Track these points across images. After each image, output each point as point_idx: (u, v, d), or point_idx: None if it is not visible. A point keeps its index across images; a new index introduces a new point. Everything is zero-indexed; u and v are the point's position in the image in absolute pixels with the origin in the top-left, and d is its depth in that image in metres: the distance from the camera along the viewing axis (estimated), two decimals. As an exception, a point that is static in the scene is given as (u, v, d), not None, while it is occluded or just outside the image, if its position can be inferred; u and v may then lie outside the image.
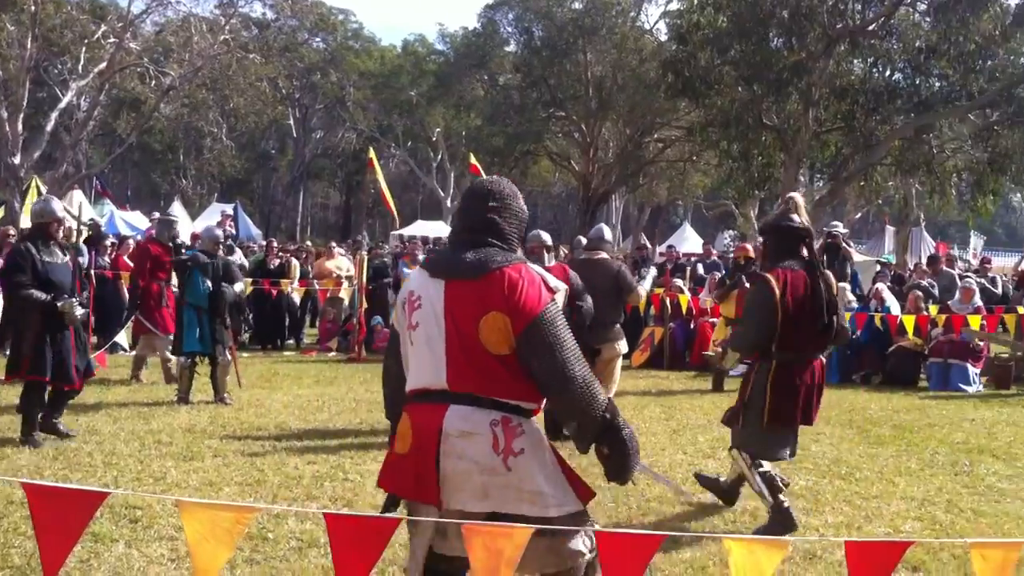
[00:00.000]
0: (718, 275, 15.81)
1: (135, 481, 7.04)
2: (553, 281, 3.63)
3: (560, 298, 3.61)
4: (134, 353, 12.56)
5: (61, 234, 8.61)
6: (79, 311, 8.29)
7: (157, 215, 21.98)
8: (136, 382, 11.78)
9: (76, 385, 8.44)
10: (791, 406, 6.09)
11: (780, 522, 6.05)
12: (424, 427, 3.49)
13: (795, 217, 6.28)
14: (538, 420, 3.64)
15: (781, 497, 6.16)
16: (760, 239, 6.98)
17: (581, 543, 3.56)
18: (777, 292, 5.96)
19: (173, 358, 11.16)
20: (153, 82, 33.66)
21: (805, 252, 6.21)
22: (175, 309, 11.06)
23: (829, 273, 6.31)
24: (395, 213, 19.17)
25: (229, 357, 10.66)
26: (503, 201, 3.67)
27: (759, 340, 6.12)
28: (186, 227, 21.41)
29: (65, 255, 8.49)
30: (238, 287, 10.93)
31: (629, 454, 3.54)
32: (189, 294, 10.48)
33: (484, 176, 3.92)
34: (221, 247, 11.10)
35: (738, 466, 6.40)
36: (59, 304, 8.11)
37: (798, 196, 6.48)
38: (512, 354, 3.44)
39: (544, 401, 3.56)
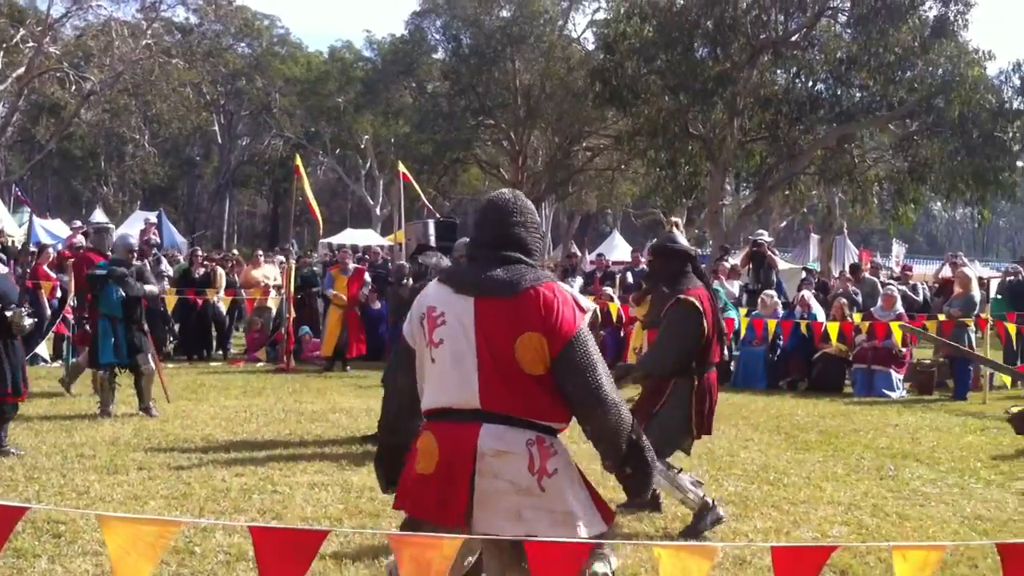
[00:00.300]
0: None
1: (58, 495, 6.89)
2: (584, 301, 3.63)
3: (588, 317, 3.60)
4: (75, 361, 12.28)
5: None
6: (27, 321, 8.13)
7: (79, 223, 21.54)
8: (69, 395, 11.53)
9: (23, 396, 8.32)
10: (710, 416, 6.41)
11: (708, 515, 6.30)
12: (455, 446, 3.41)
13: (680, 239, 6.57)
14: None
15: (701, 492, 6.37)
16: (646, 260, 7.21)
17: (607, 567, 3.57)
18: (703, 313, 6.18)
19: None
20: (73, 87, 33.01)
21: (691, 270, 6.47)
22: (91, 322, 10.73)
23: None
24: (319, 220, 18.98)
25: (152, 365, 10.46)
26: (526, 215, 3.64)
27: (679, 364, 6.28)
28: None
29: (5, 266, 8.32)
30: (149, 288, 10.77)
31: (650, 473, 3.59)
32: (103, 304, 10.23)
33: (505, 190, 3.84)
34: (134, 255, 10.80)
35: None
36: (8, 314, 7.93)
37: (678, 220, 6.98)
38: (547, 374, 3.42)
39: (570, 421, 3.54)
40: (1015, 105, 22.74)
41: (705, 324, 6.18)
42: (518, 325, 3.41)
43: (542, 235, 3.74)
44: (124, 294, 10.20)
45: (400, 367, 3.72)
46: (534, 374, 3.41)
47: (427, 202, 13.47)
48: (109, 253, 10.69)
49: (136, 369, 10.31)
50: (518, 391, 3.41)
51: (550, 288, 3.47)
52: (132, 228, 23.55)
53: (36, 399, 11.07)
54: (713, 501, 6.40)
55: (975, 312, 14.16)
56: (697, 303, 6.19)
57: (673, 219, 6.96)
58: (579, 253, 26.60)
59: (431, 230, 10.49)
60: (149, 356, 10.45)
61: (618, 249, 34.30)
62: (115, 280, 10.16)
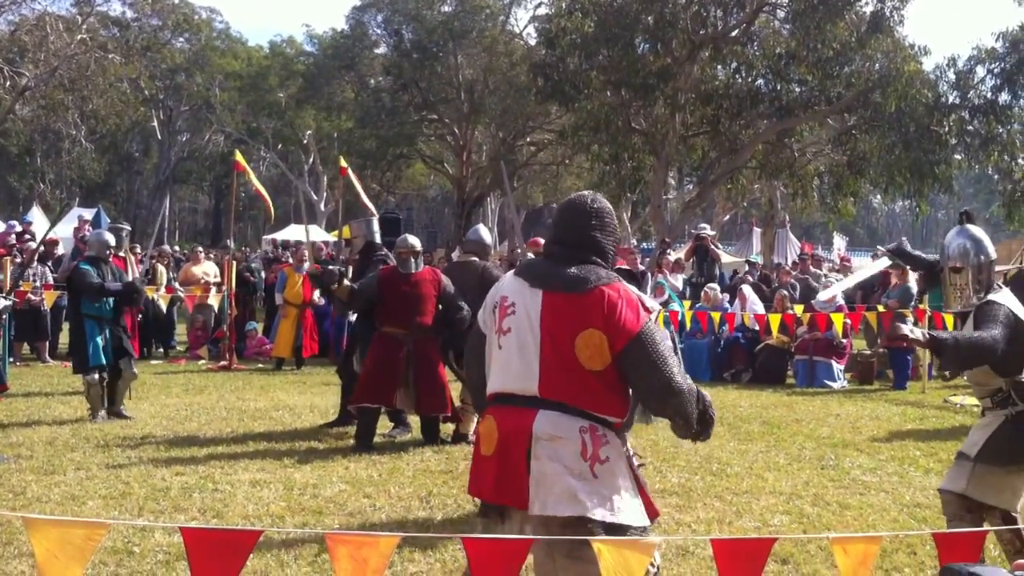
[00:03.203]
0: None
1: (-9, 498, 6.74)
2: (649, 301, 3.74)
3: (655, 317, 3.79)
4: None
5: None
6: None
7: (15, 223, 21.07)
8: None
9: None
10: None
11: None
12: (513, 430, 3.58)
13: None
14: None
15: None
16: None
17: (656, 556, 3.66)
18: None
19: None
20: (8, 83, 32.28)
21: None
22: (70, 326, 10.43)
23: None
24: (271, 209, 18.70)
25: (135, 369, 10.28)
26: (603, 219, 3.78)
27: None
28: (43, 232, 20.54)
29: None
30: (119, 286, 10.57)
31: (711, 425, 3.80)
32: (87, 306, 9.91)
33: (586, 192, 3.90)
34: (111, 253, 10.52)
35: None
36: None
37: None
38: (605, 370, 3.57)
39: (627, 415, 3.72)
40: (950, 100, 23.19)
41: None
42: (581, 321, 3.56)
43: (618, 237, 3.94)
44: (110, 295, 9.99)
45: (473, 351, 3.95)
46: (592, 369, 3.56)
47: (367, 201, 13.34)
48: (88, 254, 10.37)
49: (116, 371, 10.07)
50: (576, 383, 3.57)
51: (615, 289, 3.62)
52: (68, 225, 23.11)
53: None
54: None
55: (912, 303, 14.37)
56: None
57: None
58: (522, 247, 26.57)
59: (375, 227, 10.39)
60: (131, 358, 10.25)
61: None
62: (95, 291, 9.87)
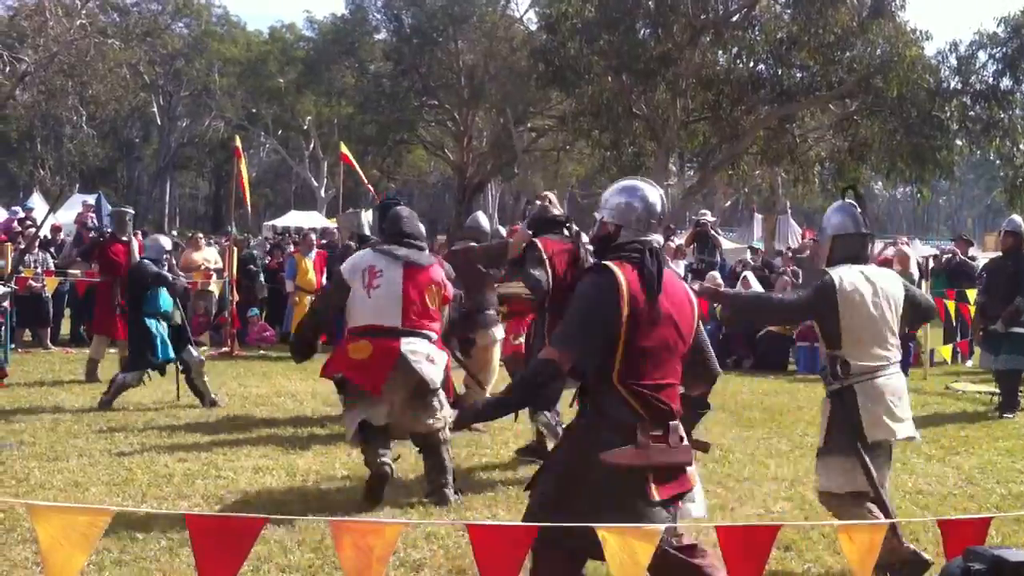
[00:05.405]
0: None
1: (-5, 484, 6.74)
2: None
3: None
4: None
5: None
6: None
7: (18, 210, 21.05)
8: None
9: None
10: None
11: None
12: (385, 348, 6.37)
13: (555, 210, 7.26)
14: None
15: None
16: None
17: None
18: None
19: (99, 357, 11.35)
20: (7, 68, 32.20)
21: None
22: (129, 322, 10.35)
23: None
24: (248, 203, 18.67)
25: (199, 356, 10.33)
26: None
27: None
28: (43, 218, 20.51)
29: None
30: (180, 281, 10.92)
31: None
32: (149, 304, 9.92)
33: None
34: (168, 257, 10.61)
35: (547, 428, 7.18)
36: None
37: (551, 194, 7.72)
38: (438, 308, 6.77)
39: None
40: (952, 85, 23.10)
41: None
42: (426, 282, 6.56)
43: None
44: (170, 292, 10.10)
45: (328, 297, 7.13)
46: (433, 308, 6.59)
47: (369, 185, 13.35)
48: (145, 257, 10.41)
49: (186, 363, 10.10)
50: (425, 317, 6.54)
51: (440, 264, 6.78)
52: (70, 211, 23.10)
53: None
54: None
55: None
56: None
57: (546, 193, 7.79)
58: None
59: (363, 219, 10.26)
60: (192, 348, 10.30)
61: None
62: (163, 284, 9.96)
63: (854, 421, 5.00)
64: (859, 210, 5.34)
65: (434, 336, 6.55)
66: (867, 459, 4.95)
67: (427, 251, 6.86)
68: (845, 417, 5.02)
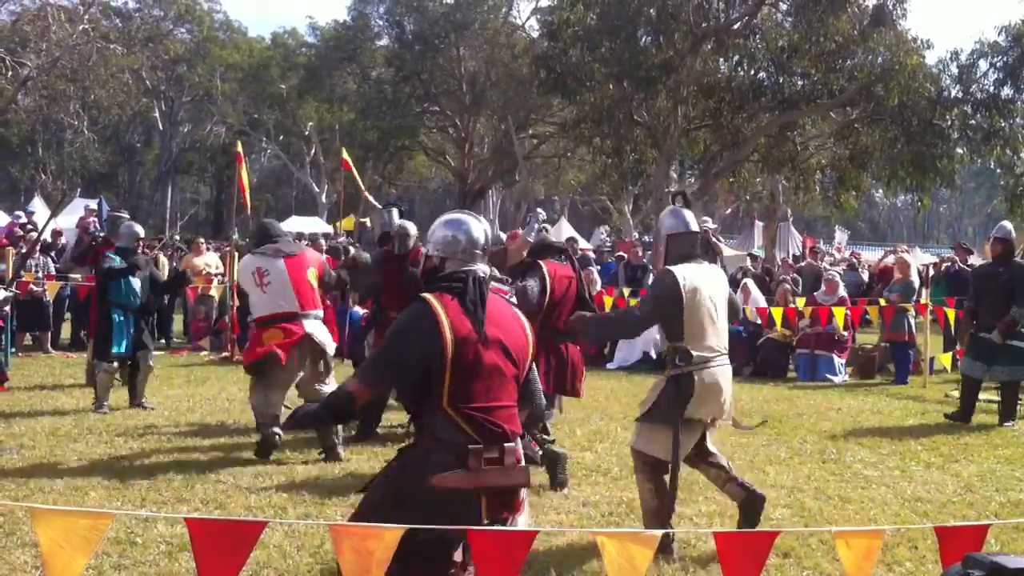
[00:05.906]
0: (593, 270, 16.07)
1: (-6, 488, 6.75)
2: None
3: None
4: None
5: None
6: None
7: (20, 215, 21.06)
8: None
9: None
10: (572, 379, 7.75)
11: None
12: (294, 330, 7.99)
13: (553, 239, 8.43)
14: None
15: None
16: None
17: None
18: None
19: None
20: (10, 73, 32.24)
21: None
22: (97, 312, 10.35)
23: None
24: (249, 208, 18.69)
25: (151, 362, 10.33)
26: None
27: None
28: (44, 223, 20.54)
29: None
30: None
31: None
32: (115, 295, 9.93)
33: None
34: (140, 244, 10.61)
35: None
36: None
37: (542, 212, 8.99)
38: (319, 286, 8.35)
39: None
40: (953, 93, 23.08)
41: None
42: (306, 267, 8.08)
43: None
44: (140, 284, 10.07)
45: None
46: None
47: (366, 193, 13.39)
48: (116, 243, 10.41)
49: (135, 363, 10.12)
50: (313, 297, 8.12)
51: (310, 252, 8.55)
52: (72, 215, 23.10)
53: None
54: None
55: (913, 298, 14.37)
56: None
57: (538, 210, 9.16)
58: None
59: (395, 216, 10.37)
60: (151, 350, 10.32)
61: (565, 237, 34.29)
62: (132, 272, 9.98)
63: (686, 398, 5.43)
64: (687, 212, 5.93)
65: (322, 314, 8.15)
66: (680, 433, 5.42)
67: (295, 243, 8.72)
68: (677, 395, 5.44)
